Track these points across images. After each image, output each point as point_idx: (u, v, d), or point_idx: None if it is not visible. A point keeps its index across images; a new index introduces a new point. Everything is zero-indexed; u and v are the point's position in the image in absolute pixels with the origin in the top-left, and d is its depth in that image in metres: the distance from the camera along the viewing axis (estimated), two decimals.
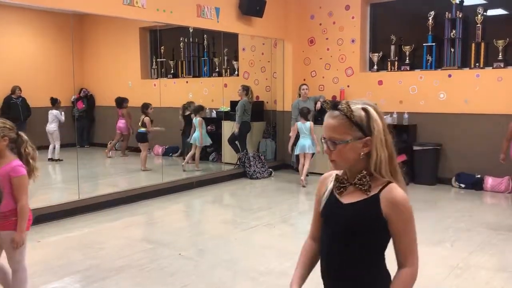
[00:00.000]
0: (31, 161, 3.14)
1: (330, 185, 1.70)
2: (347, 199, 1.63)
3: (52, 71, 11.76)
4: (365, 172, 1.59)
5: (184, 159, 9.93)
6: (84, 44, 12.38)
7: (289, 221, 5.77)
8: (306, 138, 7.71)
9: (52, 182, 8.60)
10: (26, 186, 3.07)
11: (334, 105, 1.61)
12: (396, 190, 1.57)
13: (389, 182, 1.58)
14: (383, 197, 1.56)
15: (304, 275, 1.77)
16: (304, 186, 7.61)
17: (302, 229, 5.45)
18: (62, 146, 10.03)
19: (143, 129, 8.95)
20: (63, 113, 10.17)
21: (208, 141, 9.12)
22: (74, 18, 9.77)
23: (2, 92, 10.90)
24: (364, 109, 1.58)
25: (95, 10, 6.15)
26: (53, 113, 10.02)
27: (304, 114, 7.77)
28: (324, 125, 1.63)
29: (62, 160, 9.85)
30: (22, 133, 3.16)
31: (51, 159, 9.88)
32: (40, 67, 11.71)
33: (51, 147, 9.99)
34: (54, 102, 10.21)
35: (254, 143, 9.58)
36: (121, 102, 10.52)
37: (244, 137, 9.09)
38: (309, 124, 7.71)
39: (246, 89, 8.98)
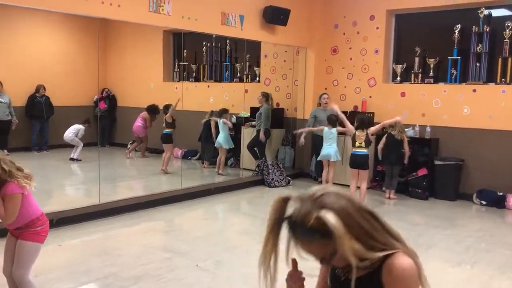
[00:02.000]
0: (17, 172, 3.11)
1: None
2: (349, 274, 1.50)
3: (77, 71, 11.95)
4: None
5: (203, 163, 10.03)
6: (108, 45, 12.54)
7: None
8: (331, 146, 7.71)
9: (73, 183, 8.73)
10: (13, 203, 3.05)
11: (293, 224, 1.42)
12: (395, 259, 1.43)
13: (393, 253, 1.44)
14: (384, 268, 1.44)
15: None
16: None
17: None
18: (85, 145, 10.18)
19: (168, 130, 9.01)
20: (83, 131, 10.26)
21: (231, 144, 9.15)
22: (100, 20, 9.90)
23: (28, 90, 11.11)
24: (318, 218, 1.38)
25: (122, 17, 6.22)
26: (77, 127, 10.14)
27: (332, 121, 7.75)
28: (304, 249, 1.46)
29: (80, 160, 9.98)
30: None
31: (71, 159, 10.03)
32: (65, 67, 11.91)
33: (74, 148, 10.13)
34: (86, 121, 10.37)
35: (273, 150, 9.57)
36: (154, 110, 10.53)
37: (263, 144, 9.10)
38: (335, 130, 7.72)
39: (266, 96, 8.99)
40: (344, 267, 1.53)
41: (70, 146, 10.25)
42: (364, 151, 6.82)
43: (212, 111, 9.71)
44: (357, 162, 6.86)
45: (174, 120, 9.09)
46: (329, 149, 7.71)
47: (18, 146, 10.50)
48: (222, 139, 8.96)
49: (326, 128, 7.80)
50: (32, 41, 11.39)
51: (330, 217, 1.38)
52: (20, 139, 10.85)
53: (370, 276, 1.46)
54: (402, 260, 1.43)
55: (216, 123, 9.32)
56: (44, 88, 11.21)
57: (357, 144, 6.91)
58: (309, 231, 1.39)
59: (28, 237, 3.16)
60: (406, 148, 7.49)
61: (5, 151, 10.32)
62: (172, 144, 9.20)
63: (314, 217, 1.39)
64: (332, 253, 1.42)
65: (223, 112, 9.04)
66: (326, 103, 8.53)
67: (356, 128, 7.01)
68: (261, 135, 8.81)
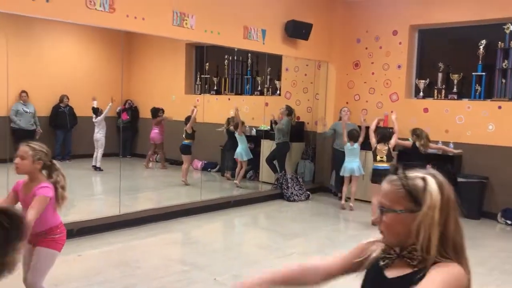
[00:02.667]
0: (60, 189, 3.20)
1: (374, 254, 1.54)
2: (393, 272, 1.46)
3: (100, 82, 12.12)
4: (417, 246, 1.40)
5: (223, 175, 10.06)
6: (131, 57, 12.72)
7: (325, 250, 5.68)
8: (354, 161, 7.69)
9: (94, 193, 8.82)
10: (41, 206, 3.05)
11: (395, 169, 1.48)
12: (450, 265, 1.37)
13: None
14: (432, 268, 1.38)
15: (276, 281, 1.63)
16: (352, 209, 7.63)
17: None
18: (107, 155, 10.29)
19: (187, 141, 9.09)
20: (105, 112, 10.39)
21: (250, 155, 9.21)
22: (124, 33, 10.07)
23: (53, 100, 11.33)
24: (423, 179, 1.42)
25: (146, 30, 6.33)
26: (99, 121, 10.30)
27: (354, 136, 7.72)
28: (384, 192, 1.50)
29: (102, 170, 10.08)
30: (55, 162, 3.23)
31: (94, 166, 10.17)
32: (89, 78, 12.09)
33: (95, 154, 10.28)
34: (96, 111, 10.49)
35: (292, 163, 9.53)
36: (155, 112, 10.75)
37: (283, 157, 9.07)
38: (357, 146, 7.67)
39: (289, 110, 8.98)
40: (386, 251, 1.50)
41: (92, 156, 10.37)
42: (386, 165, 6.71)
43: (229, 119, 9.73)
44: (380, 176, 6.73)
45: (194, 132, 9.15)
46: (352, 164, 7.67)
47: None
48: (241, 150, 9.00)
49: (348, 144, 7.75)
50: (58, 53, 11.64)
51: (433, 185, 1.40)
52: None
53: (413, 275, 1.41)
54: (456, 268, 1.38)
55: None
56: (68, 98, 11.41)
57: (378, 158, 6.83)
58: (406, 180, 1.42)
59: (47, 244, 3.19)
60: (443, 147, 7.50)
61: None
62: (190, 155, 9.25)
63: (419, 175, 1.42)
64: (398, 213, 1.40)
65: (238, 125, 9.14)
66: (346, 116, 8.43)
67: (377, 142, 6.93)
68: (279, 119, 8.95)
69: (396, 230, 1.43)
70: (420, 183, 1.42)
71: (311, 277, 1.65)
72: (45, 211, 3.13)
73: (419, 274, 1.38)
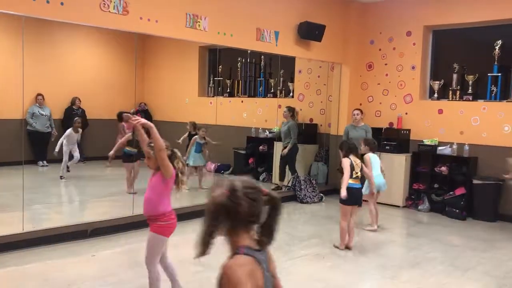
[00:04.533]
0: (180, 175, 3.56)
1: None
2: None
3: (114, 85, 12.25)
4: None
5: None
6: (145, 59, 12.84)
7: (339, 252, 5.63)
8: (379, 175, 6.55)
9: (107, 195, 8.86)
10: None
11: None
12: None
13: None
14: None
15: None
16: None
17: (353, 262, 5.32)
18: (120, 157, 10.22)
19: (128, 149, 8.14)
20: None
21: (198, 162, 8.72)
22: (138, 35, 10.15)
23: (66, 103, 11.47)
24: None
25: (160, 32, 6.37)
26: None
27: (370, 144, 6.62)
28: None
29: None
30: (176, 150, 3.57)
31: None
32: (103, 81, 12.23)
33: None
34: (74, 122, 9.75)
35: (305, 165, 9.50)
36: (117, 117, 9.55)
37: (293, 159, 8.99)
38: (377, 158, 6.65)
39: (292, 111, 8.88)
40: None
41: (105, 158, 10.37)
42: (359, 184, 5.64)
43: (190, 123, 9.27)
44: (355, 197, 5.57)
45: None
46: (379, 178, 6.52)
47: (55, 157, 10.76)
48: (190, 155, 8.65)
49: (371, 155, 6.52)
50: (72, 56, 11.78)
51: None
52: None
53: None
54: None
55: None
56: (80, 100, 11.52)
57: (354, 174, 5.51)
58: None
59: (155, 229, 3.56)
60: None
61: (45, 162, 10.71)
62: (130, 163, 8.21)
63: None
64: None
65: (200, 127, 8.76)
66: (356, 119, 8.02)
67: (346, 155, 5.62)
68: (285, 151, 8.73)
69: None
70: None
71: None
72: (162, 196, 3.51)
73: None
